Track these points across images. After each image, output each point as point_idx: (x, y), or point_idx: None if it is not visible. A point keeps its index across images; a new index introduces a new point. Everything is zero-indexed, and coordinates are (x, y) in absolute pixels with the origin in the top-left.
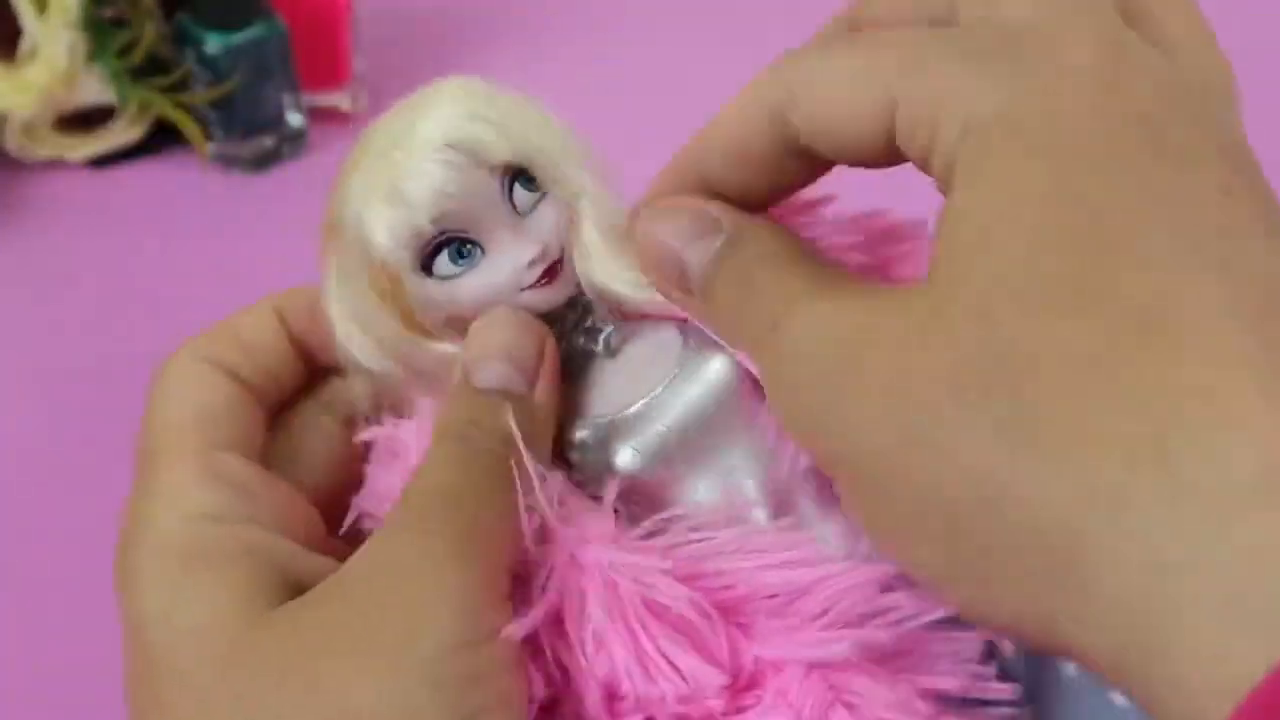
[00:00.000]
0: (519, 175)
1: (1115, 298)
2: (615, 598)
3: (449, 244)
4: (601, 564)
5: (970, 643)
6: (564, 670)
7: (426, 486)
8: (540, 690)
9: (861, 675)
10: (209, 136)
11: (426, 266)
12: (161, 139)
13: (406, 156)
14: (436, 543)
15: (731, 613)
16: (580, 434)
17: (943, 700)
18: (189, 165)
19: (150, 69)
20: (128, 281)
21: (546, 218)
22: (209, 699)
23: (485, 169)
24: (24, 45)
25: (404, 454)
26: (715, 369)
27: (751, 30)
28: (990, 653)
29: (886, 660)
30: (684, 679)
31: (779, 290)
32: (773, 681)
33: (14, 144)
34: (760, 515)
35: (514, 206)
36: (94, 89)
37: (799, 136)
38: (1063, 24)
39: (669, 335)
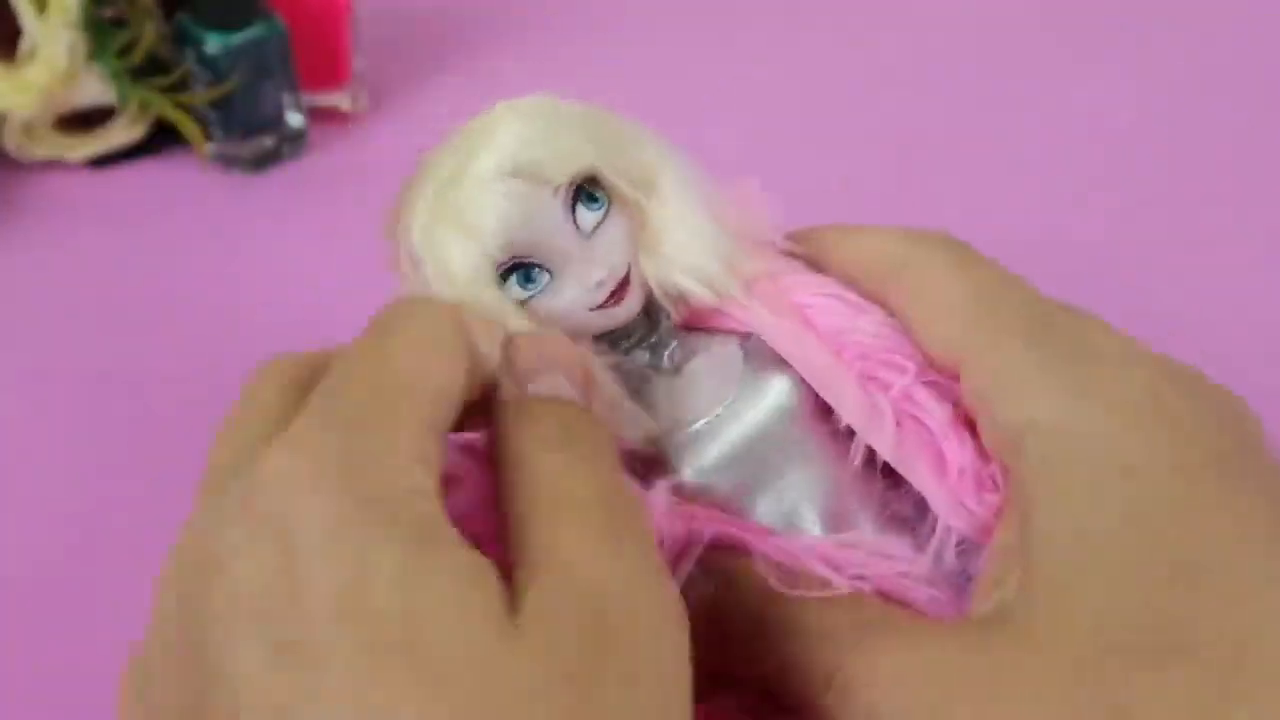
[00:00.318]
0: (582, 191)
1: (1204, 641)
2: None
3: (517, 269)
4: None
5: None
6: None
7: (578, 498)
8: None
9: None
10: (209, 136)
11: None
12: (161, 139)
13: (470, 189)
14: (638, 555)
15: None
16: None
17: None
18: (189, 165)
19: (150, 69)
20: (127, 281)
21: (612, 236)
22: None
23: (549, 190)
24: (24, 45)
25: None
26: (777, 389)
27: (751, 30)
28: None
29: None
30: None
31: (823, 635)
32: None
33: (13, 144)
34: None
35: (578, 228)
36: (94, 89)
37: None
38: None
39: (731, 352)
